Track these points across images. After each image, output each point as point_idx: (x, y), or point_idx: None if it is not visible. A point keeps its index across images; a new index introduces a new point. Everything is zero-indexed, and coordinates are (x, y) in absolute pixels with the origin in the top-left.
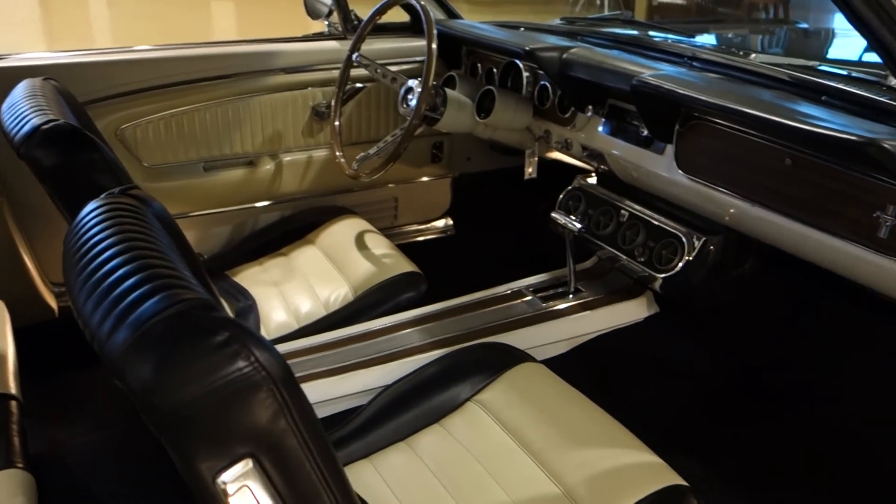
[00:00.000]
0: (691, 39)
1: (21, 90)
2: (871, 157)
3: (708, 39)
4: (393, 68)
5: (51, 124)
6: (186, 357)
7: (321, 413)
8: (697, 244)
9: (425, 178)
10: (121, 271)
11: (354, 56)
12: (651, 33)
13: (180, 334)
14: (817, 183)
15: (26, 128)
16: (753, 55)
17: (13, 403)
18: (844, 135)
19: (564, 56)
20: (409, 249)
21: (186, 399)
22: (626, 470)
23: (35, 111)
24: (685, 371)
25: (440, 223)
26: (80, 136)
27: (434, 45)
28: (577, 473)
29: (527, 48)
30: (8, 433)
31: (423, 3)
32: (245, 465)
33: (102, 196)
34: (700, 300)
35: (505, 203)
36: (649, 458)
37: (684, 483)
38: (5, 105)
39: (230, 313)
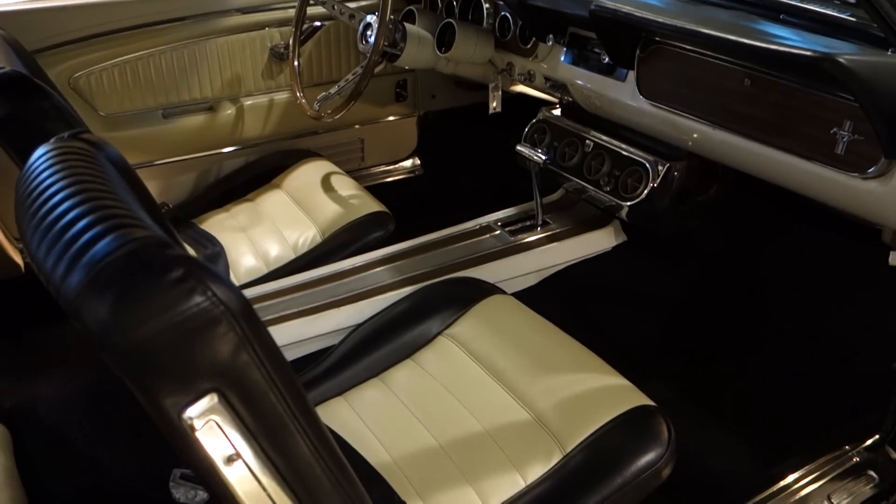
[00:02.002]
0: None
1: None
2: (827, 73)
3: None
4: (351, 4)
5: None
6: (142, 294)
7: (294, 354)
8: (661, 171)
9: (391, 118)
10: (72, 214)
11: None
12: None
13: (135, 272)
14: (776, 102)
15: None
16: None
17: None
18: (800, 51)
19: None
20: (377, 190)
21: (145, 336)
22: (595, 393)
23: None
24: (654, 297)
25: (408, 163)
26: (28, 83)
27: None
28: (547, 399)
29: None
30: None
31: None
32: (210, 400)
33: (52, 141)
34: (666, 226)
35: (472, 139)
36: (618, 381)
37: (652, 403)
38: None
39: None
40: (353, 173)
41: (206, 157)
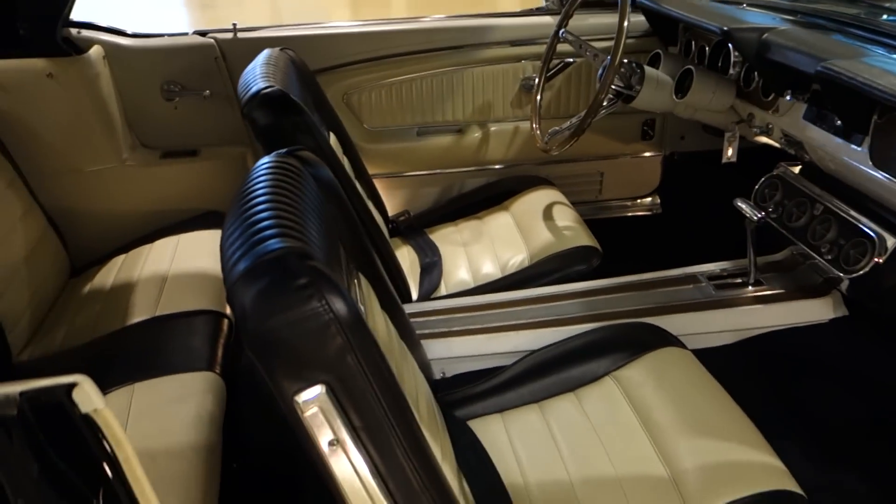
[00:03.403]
0: None
1: (261, 58)
2: None
3: None
4: (602, 44)
5: (268, 90)
6: (274, 292)
7: (470, 366)
8: (890, 247)
9: (634, 155)
10: (257, 216)
11: (560, 32)
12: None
13: (274, 273)
14: None
15: (251, 91)
16: None
17: (225, 321)
18: None
19: (763, 37)
20: (612, 223)
21: (271, 327)
22: (741, 466)
23: (262, 77)
24: (869, 380)
25: (647, 200)
26: (288, 101)
27: (625, 23)
28: (689, 460)
29: (724, 28)
30: (215, 345)
31: None
32: (320, 389)
33: (273, 154)
34: (894, 307)
35: (716, 184)
36: (770, 460)
37: (801, 493)
38: (246, 70)
39: (418, 266)
40: (589, 204)
41: (449, 174)
